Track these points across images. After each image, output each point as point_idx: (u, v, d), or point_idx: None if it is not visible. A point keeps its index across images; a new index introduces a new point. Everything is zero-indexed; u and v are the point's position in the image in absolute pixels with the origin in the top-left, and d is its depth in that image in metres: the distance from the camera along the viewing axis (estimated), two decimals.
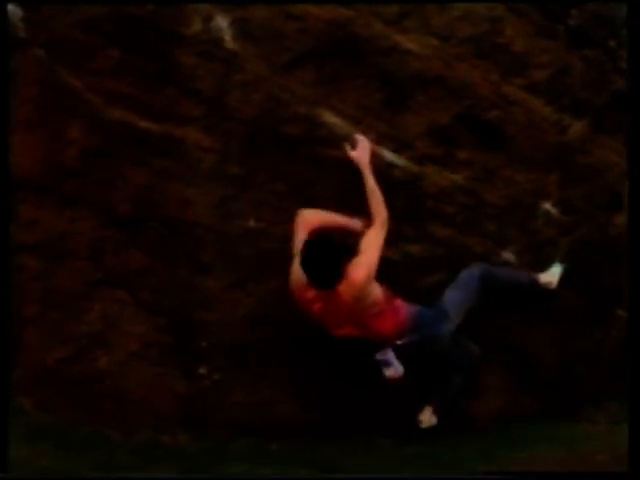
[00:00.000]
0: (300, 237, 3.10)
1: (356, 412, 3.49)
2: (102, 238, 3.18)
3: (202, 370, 3.32)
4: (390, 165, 3.38)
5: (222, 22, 3.17)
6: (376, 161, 3.29)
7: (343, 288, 3.02)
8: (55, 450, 3.07)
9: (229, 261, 3.27)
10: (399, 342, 3.23)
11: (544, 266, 3.60)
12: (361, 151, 3.25)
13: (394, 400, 3.47)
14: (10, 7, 3.01)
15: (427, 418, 3.48)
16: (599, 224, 3.69)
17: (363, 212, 3.20)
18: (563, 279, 3.61)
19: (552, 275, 3.60)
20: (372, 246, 3.12)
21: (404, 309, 3.24)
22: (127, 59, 3.12)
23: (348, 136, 3.29)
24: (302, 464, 3.26)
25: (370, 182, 3.19)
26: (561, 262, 3.62)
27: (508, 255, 3.56)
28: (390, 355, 3.25)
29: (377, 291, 3.14)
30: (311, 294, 3.06)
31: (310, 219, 3.18)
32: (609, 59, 3.64)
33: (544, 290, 3.57)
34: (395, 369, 3.25)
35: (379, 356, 3.26)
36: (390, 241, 3.24)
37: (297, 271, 3.08)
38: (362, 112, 3.36)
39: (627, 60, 3.62)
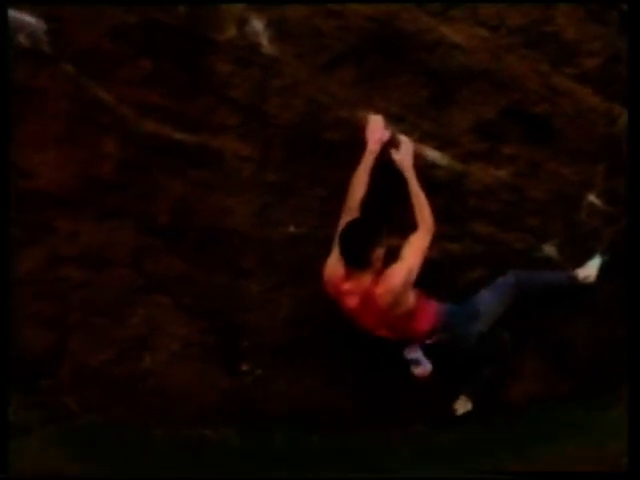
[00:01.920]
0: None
1: (392, 400, 3.55)
2: (142, 247, 3.18)
3: (244, 367, 3.36)
4: (433, 165, 3.28)
5: (258, 25, 3.02)
6: (419, 162, 3.21)
7: (379, 292, 3.01)
8: (100, 450, 3.17)
9: (269, 266, 3.28)
10: (428, 341, 3.26)
11: (586, 258, 3.56)
12: (404, 154, 3.17)
13: (429, 388, 3.55)
14: (32, 20, 2.84)
15: (462, 406, 3.58)
16: None
17: (407, 216, 3.14)
18: (604, 269, 3.57)
19: (590, 269, 3.59)
20: (414, 253, 3.08)
21: (436, 309, 3.24)
22: (159, 69, 3.00)
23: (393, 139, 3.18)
24: (341, 453, 3.38)
25: (414, 187, 3.15)
26: (602, 254, 3.56)
27: (549, 249, 3.53)
28: (419, 353, 3.29)
29: (412, 298, 3.11)
30: (347, 287, 3.05)
31: (348, 201, 3.12)
32: None
33: (583, 286, 3.56)
34: (424, 367, 3.30)
35: (408, 354, 3.30)
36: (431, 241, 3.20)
37: (334, 262, 3.08)
38: (406, 110, 3.26)
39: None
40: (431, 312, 3.20)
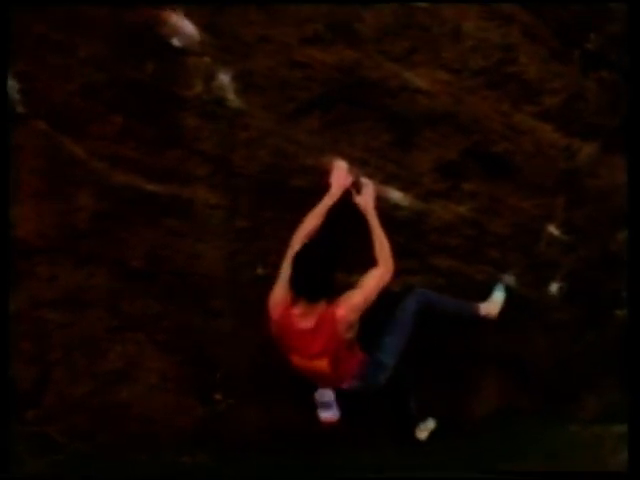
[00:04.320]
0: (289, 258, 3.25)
1: (360, 424, 3.85)
2: (118, 290, 3.42)
3: (218, 396, 3.65)
4: (396, 206, 3.52)
5: (224, 78, 3.22)
6: (382, 203, 3.44)
7: (340, 312, 3.15)
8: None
9: (239, 306, 3.53)
10: (345, 385, 3.43)
11: (545, 285, 3.83)
12: (366, 196, 3.40)
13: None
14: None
15: (424, 432, 3.86)
16: (601, 241, 3.86)
17: (370, 259, 3.36)
18: (563, 295, 3.86)
19: (493, 304, 3.76)
20: (372, 284, 3.24)
21: (362, 356, 3.41)
22: (129, 124, 3.20)
23: (355, 182, 3.42)
24: (312, 475, 3.71)
25: (376, 228, 3.35)
26: (504, 288, 3.80)
27: (509, 279, 3.78)
28: (330, 398, 3.51)
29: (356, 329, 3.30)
30: (299, 310, 3.18)
31: (300, 234, 3.28)
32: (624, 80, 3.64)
33: (485, 321, 3.76)
34: (333, 413, 3.54)
35: (319, 397, 3.52)
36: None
37: (281, 289, 3.23)
38: (369, 154, 3.47)
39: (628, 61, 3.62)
40: (360, 356, 3.39)
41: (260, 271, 3.48)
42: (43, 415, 3.53)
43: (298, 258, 3.13)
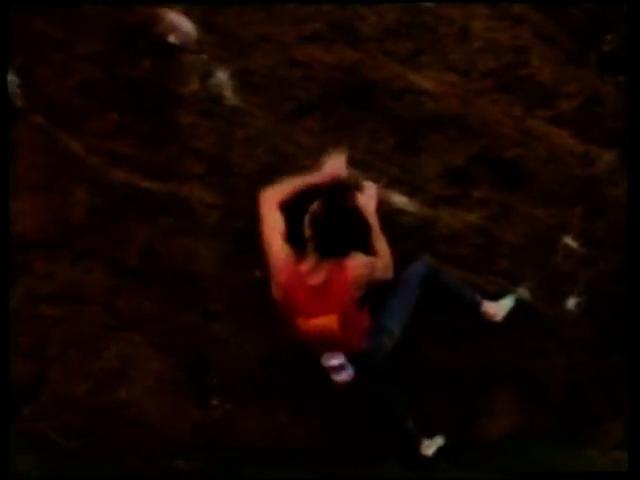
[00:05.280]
0: (273, 216, 3.17)
1: (363, 437, 3.77)
2: (114, 287, 3.45)
3: (215, 402, 3.62)
4: (401, 211, 3.45)
5: (222, 76, 3.24)
6: (386, 208, 3.38)
7: (352, 264, 3.15)
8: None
9: (235, 308, 3.51)
10: (352, 348, 3.31)
11: (561, 300, 3.69)
12: (368, 199, 3.34)
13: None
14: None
15: (430, 448, 3.73)
16: (621, 253, 3.70)
17: None
18: (583, 310, 3.71)
19: (499, 307, 3.60)
20: (380, 261, 3.25)
21: (368, 317, 3.34)
22: (126, 121, 3.26)
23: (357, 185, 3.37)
24: None
25: (376, 231, 3.28)
26: (516, 296, 3.65)
27: (522, 291, 3.65)
28: (340, 359, 3.34)
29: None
30: (307, 266, 3.16)
31: (274, 195, 3.21)
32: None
33: (484, 318, 3.59)
34: (348, 372, 3.37)
35: (327, 361, 3.34)
36: None
37: (281, 248, 3.16)
38: (373, 157, 3.42)
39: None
40: (368, 318, 3.33)
41: (258, 274, 3.46)
42: (39, 412, 3.58)
43: (319, 221, 3.09)
